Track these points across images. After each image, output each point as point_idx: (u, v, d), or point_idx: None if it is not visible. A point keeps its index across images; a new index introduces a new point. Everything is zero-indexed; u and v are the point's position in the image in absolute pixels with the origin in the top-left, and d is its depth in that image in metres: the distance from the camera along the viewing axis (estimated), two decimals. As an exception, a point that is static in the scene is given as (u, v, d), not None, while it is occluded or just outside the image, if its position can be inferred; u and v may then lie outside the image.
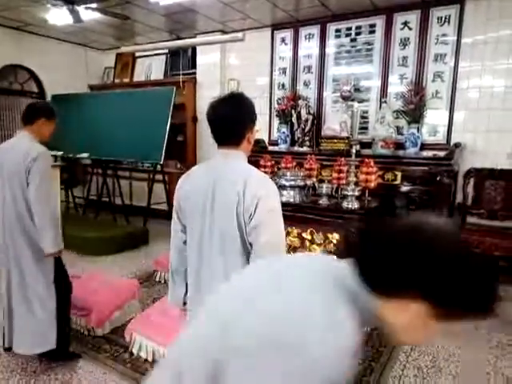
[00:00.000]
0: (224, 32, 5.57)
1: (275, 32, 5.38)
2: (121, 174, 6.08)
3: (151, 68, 6.55)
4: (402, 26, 4.55)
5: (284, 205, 3.52)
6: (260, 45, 5.46)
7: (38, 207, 2.13)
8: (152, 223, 5.33)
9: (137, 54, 6.70)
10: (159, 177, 5.46)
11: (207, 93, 5.89)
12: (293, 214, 3.51)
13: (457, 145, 4.05)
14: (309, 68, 5.21)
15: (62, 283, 2.28)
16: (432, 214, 0.79)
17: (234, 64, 5.78)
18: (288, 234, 3.52)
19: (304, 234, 3.44)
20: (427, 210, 3.62)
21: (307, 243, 3.43)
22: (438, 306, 0.68)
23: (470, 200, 4.18)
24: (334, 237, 3.29)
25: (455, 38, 4.25)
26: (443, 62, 4.35)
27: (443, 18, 4.31)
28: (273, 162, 4.23)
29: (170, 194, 5.50)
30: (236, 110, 1.40)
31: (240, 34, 4.60)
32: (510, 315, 3.07)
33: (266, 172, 4.11)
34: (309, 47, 5.16)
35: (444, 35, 4.32)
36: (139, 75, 6.65)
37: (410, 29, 4.50)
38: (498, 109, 4.07)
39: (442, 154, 4.08)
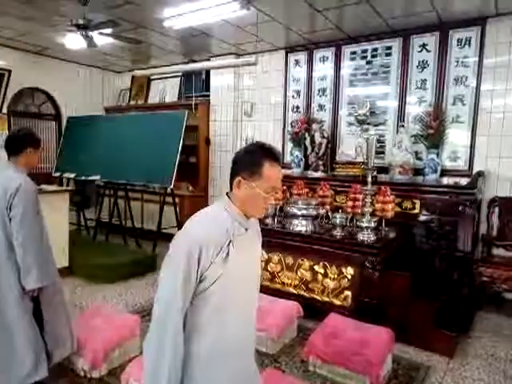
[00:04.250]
0: (237, 55, 5.54)
1: (289, 54, 5.31)
2: (132, 196, 6.03)
3: (165, 90, 6.57)
4: (420, 49, 4.41)
5: (295, 235, 3.42)
6: (274, 67, 5.41)
7: (21, 245, 2.02)
8: (162, 247, 5.21)
9: (152, 77, 6.74)
10: (170, 199, 5.38)
11: (220, 115, 5.85)
12: (304, 245, 3.34)
13: (479, 173, 3.83)
14: (323, 90, 5.10)
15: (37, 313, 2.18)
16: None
17: (247, 86, 5.73)
18: (299, 266, 3.34)
19: (316, 267, 3.26)
20: (449, 242, 3.38)
21: (320, 277, 3.24)
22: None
23: (495, 231, 3.93)
24: (349, 271, 3.09)
25: (477, 59, 4.08)
26: (464, 84, 4.17)
27: (463, 40, 4.15)
28: (284, 188, 4.08)
29: (181, 217, 5.39)
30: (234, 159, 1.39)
31: (253, 58, 4.52)
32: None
33: (277, 198, 3.97)
34: (323, 69, 5.06)
35: (465, 57, 4.15)
36: (154, 97, 6.68)
37: (429, 51, 4.36)
38: (523, 134, 3.85)
39: (463, 180, 3.87)
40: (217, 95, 5.86)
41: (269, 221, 3.76)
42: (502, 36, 3.93)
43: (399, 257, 3.21)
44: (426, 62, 4.38)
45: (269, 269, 3.53)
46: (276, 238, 3.46)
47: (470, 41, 4.12)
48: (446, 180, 4.05)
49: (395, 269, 3.09)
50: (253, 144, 1.39)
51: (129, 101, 6.97)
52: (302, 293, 3.29)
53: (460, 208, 3.53)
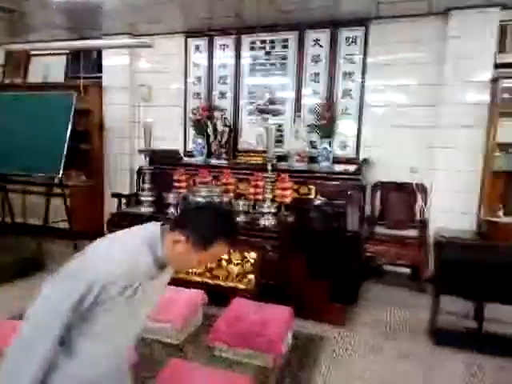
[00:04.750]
0: (133, 35, 5.19)
1: (189, 39, 5.17)
2: (13, 188, 5.30)
3: (49, 69, 5.85)
4: (314, 43, 4.68)
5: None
6: (173, 51, 5.21)
7: None
8: (51, 245, 4.71)
9: (32, 53, 5.94)
10: (60, 190, 4.87)
11: (115, 98, 5.45)
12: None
13: (364, 160, 4.26)
14: (225, 78, 5.10)
15: None
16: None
17: (145, 69, 5.43)
18: (204, 254, 3.33)
19: (221, 254, 3.28)
20: (340, 223, 3.71)
21: (224, 263, 3.28)
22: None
23: (377, 211, 4.43)
24: (252, 256, 3.18)
25: (362, 57, 4.49)
26: (351, 79, 4.56)
27: (351, 39, 4.53)
28: (187, 176, 4.01)
29: (71, 210, 4.92)
30: None
31: (149, 40, 4.30)
32: (416, 323, 3.26)
33: (180, 187, 3.88)
34: (224, 57, 5.05)
35: (352, 54, 4.53)
36: (35, 76, 5.90)
37: (321, 46, 4.65)
38: (400, 125, 4.38)
39: (351, 167, 4.26)
40: (110, 77, 5.43)
41: (171, 210, 3.66)
42: (383, 37, 4.38)
43: (298, 239, 3.41)
44: (319, 56, 4.67)
45: (172, 259, 3.44)
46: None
47: (356, 40, 4.50)
48: (337, 167, 4.41)
49: (294, 250, 3.28)
50: (214, 210, 1.30)
51: (3, 78, 6.05)
52: (207, 280, 3.29)
53: (349, 192, 3.89)
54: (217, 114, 4.86)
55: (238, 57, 4.99)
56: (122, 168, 5.50)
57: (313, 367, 2.53)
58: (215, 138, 4.81)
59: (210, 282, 3.28)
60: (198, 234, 1.18)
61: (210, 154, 4.90)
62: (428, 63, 4.25)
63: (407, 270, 4.20)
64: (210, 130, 4.84)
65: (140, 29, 5.02)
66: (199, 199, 3.42)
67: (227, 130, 4.79)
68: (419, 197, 4.26)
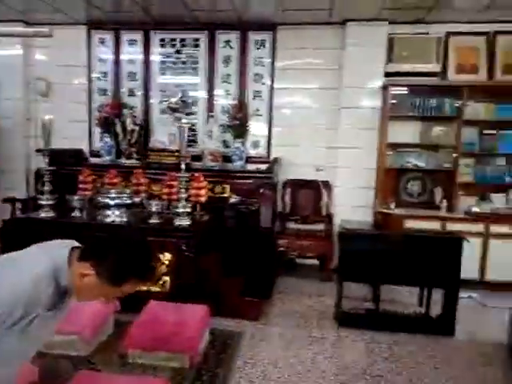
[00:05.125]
0: (28, 23, 4.70)
1: (93, 31, 4.86)
2: None
3: None
4: (224, 44, 4.75)
5: (107, 226, 3.22)
6: (75, 43, 4.85)
7: None
8: None
9: None
10: None
11: (6, 93, 4.88)
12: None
13: (275, 159, 4.47)
14: (134, 75, 4.91)
15: None
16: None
17: (42, 61, 4.96)
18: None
19: (133, 257, 3.16)
20: (254, 221, 3.83)
21: (137, 266, 3.16)
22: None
23: (288, 208, 4.67)
24: (166, 257, 3.13)
25: (270, 60, 4.68)
26: (261, 82, 4.73)
27: (259, 42, 4.69)
28: (94, 177, 3.78)
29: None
30: None
31: (47, 29, 3.93)
32: (324, 309, 3.53)
33: (85, 189, 3.63)
34: (133, 53, 4.87)
35: (261, 57, 4.70)
36: None
37: (232, 48, 4.74)
38: (306, 127, 4.68)
39: (263, 166, 4.43)
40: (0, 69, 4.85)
41: (76, 214, 3.41)
42: (289, 42, 4.63)
43: (213, 238, 3.44)
44: (230, 57, 4.75)
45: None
46: (85, 231, 3.17)
47: (264, 43, 4.69)
48: (250, 166, 4.55)
49: (210, 249, 3.30)
50: (129, 245, 1.15)
51: None
52: (119, 286, 3.14)
53: (261, 190, 4.05)
54: (126, 111, 4.65)
55: (147, 53, 4.84)
56: (15, 170, 4.95)
57: (230, 363, 2.58)
58: (124, 136, 4.60)
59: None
60: (109, 271, 1.10)
61: (119, 154, 4.67)
62: (328, 69, 4.60)
63: (316, 262, 4.51)
64: (118, 129, 4.62)
65: (36, 17, 4.57)
66: (108, 201, 3.25)
67: (137, 128, 4.61)
68: (325, 193, 4.60)
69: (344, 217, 4.37)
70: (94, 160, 4.77)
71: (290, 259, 4.48)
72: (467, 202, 4.31)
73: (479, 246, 3.97)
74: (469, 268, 3.69)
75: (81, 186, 3.66)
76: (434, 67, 4.35)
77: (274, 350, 2.82)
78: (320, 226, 4.53)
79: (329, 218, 4.49)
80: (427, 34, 4.37)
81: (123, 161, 4.57)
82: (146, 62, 4.86)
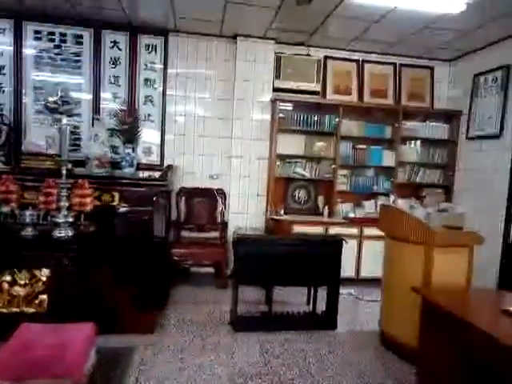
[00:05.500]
0: None
1: None
2: None
3: None
4: (112, 45, 4.50)
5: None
6: None
7: None
8: None
9: None
10: None
11: None
12: (-18, 253, 2.70)
13: (168, 166, 4.36)
14: (1, 68, 4.29)
15: None
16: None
17: None
18: (-25, 279, 2.68)
19: (0, 276, 2.71)
20: (146, 230, 3.66)
21: (5, 286, 2.72)
22: None
23: (182, 216, 4.59)
24: (44, 273, 2.76)
25: (162, 66, 4.58)
26: (153, 87, 4.60)
27: (150, 47, 4.57)
28: None
29: None
30: None
31: None
32: (220, 316, 3.52)
33: None
34: (0, 43, 4.25)
35: (152, 62, 4.57)
36: None
37: (120, 49, 4.51)
38: (201, 135, 4.69)
39: (156, 174, 4.27)
40: None
41: None
42: (181, 50, 4.61)
43: (101, 249, 3.17)
44: (119, 59, 4.52)
45: None
46: None
47: (156, 48, 4.58)
48: (141, 173, 4.34)
49: (97, 261, 3.03)
50: None
51: None
52: (-19, 310, 2.66)
53: (154, 198, 3.89)
54: (-9, 109, 4.03)
55: (18, 45, 4.29)
56: None
57: (120, 381, 2.39)
58: (-11, 137, 3.96)
59: (-15, 311, 2.66)
60: None
61: (-19, 158, 4.00)
62: (221, 80, 4.72)
63: (211, 270, 4.51)
64: (-20, 128, 3.96)
65: None
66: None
67: (6, 128, 4.02)
68: (220, 201, 4.65)
69: (237, 224, 4.47)
70: None
71: (185, 268, 4.39)
72: (344, 208, 4.83)
73: (355, 247, 4.47)
74: (347, 267, 4.14)
75: None
76: (315, 86, 4.81)
77: (169, 361, 2.70)
78: (215, 234, 4.55)
79: (223, 226, 4.55)
80: (308, 55, 4.82)
81: (-13, 165, 3.92)
82: (17, 55, 4.30)
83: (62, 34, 4.38)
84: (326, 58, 4.91)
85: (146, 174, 4.32)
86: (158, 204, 3.89)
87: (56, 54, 4.38)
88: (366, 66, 5.01)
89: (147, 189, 3.91)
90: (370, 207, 4.86)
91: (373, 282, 4.28)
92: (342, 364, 2.83)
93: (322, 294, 3.54)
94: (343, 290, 3.85)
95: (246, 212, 4.64)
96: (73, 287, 2.77)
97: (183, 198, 4.61)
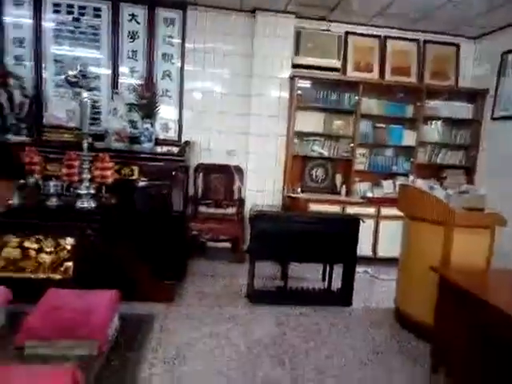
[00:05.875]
0: None
1: (-34, -16, 4.12)
2: None
3: None
4: (130, 18, 4.45)
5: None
6: None
7: None
8: None
9: None
10: None
11: None
12: (9, 221, 2.79)
13: (186, 142, 4.37)
14: (21, 41, 4.31)
15: None
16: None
17: None
18: (5, 244, 2.77)
19: (27, 243, 2.80)
20: (165, 204, 3.71)
21: (32, 253, 2.81)
22: None
23: (200, 192, 4.62)
24: (68, 242, 2.84)
25: (180, 41, 4.53)
26: (171, 62, 4.56)
27: (168, 20, 4.51)
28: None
29: None
30: None
31: None
32: (237, 289, 3.59)
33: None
34: (19, 15, 4.26)
35: (170, 37, 4.52)
36: None
37: (138, 23, 4.47)
38: (218, 111, 4.67)
39: (174, 149, 4.30)
40: None
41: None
42: (199, 24, 4.54)
43: (122, 221, 3.23)
44: (137, 33, 4.48)
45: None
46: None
47: (174, 22, 4.52)
48: (159, 148, 4.37)
49: (119, 233, 3.10)
50: None
51: None
52: (10, 274, 2.75)
53: (173, 173, 3.92)
54: (12, 81, 4.06)
55: (37, 18, 4.29)
56: None
57: (142, 346, 2.47)
58: (12, 110, 4.01)
59: (13, 275, 2.76)
60: None
61: (5, 130, 4.06)
62: (239, 56, 4.65)
63: (228, 245, 4.56)
64: (3, 100, 4.00)
65: None
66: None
67: (27, 101, 4.07)
68: (237, 178, 4.66)
69: (254, 201, 4.49)
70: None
71: (202, 242, 4.46)
72: (362, 188, 4.79)
73: (372, 227, 4.46)
74: (364, 246, 4.14)
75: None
76: (336, 63, 4.70)
77: (188, 329, 2.78)
78: (232, 210, 4.59)
79: (240, 202, 4.58)
80: (329, 31, 4.69)
81: (9, 137, 3.99)
82: (37, 28, 4.30)
83: (81, 7, 4.35)
84: (347, 33, 4.78)
85: (164, 149, 4.35)
86: (177, 179, 3.92)
87: (75, 27, 4.37)
88: (389, 42, 4.87)
89: (166, 164, 3.94)
90: (388, 187, 4.81)
91: (389, 261, 4.27)
92: (356, 339, 2.87)
93: (338, 271, 3.56)
94: (359, 269, 3.86)
95: (262, 189, 4.65)
96: (96, 256, 2.85)
97: (201, 174, 4.63)
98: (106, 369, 2.16)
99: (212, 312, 3.10)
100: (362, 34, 4.83)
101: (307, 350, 2.66)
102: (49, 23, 4.32)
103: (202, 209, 4.58)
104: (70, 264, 2.83)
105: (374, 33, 4.84)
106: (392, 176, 4.85)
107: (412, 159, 4.77)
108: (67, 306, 2.31)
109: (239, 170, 4.67)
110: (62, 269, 2.83)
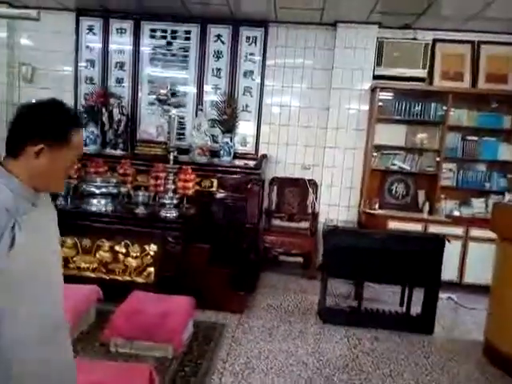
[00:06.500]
0: (11, 5, 4.57)
1: (81, 18, 4.76)
2: None
3: None
4: (216, 39, 4.73)
5: (93, 215, 3.16)
6: (62, 29, 4.74)
7: None
8: None
9: None
10: None
11: (-11, 76, 4.73)
12: (104, 226, 3.13)
13: (263, 156, 4.47)
14: (121, 65, 4.83)
15: None
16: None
17: (27, 46, 4.82)
18: (98, 248, 3.11)
19: (117, 247, 3.11)
20: (240, 216, 3.83)
21: (121, 256, 3.11)
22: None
23: (274, 205, 4.68)
24: (152, 248, 3.09)
25: (261, 57, 4.68)
26: (252, 78, 4.73)
27: (251, 38, 4.69)
28: (79, 166, 3.69)
29: None
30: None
31: (34, 12, 3.82)
32: (307, 306, 3.55)
33: (70, 177, 3.55)
34: (122, 42, 4.79)
35: (252, 54, 4.70)
36: None
37: (223, 43, 4.72)
38: (295, 125, 4.71)
39: (251, 163, 4.43)
40: (-18, 51, 4.70)
41: (60, 201, 3.32)
42: (279, 40, 4.65)
43: (200, 231, 3.42)
44: (221, 52, 4.73)
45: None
46: (70, 220, 3.09)
47: (256, 40, 4.69)
48: (237, 162, 4.54)
49: (196, 242, 3.28)
50: (44, 102, 1.11)
51: None
52: (102, 275, 3.09)
53: (249, 186, 4.04)
54: (113, 101, 4.57)
55: (136, 44, 4.78)
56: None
57: (213, 354, 2.57)
58: (111, 126, 4.51)
59: (105, 277, 3.08)
60: (49, 131, 1.05)
61: (105, 145, 4.58)
62: (318, 69, 4.64)
63: (300, 259, 4.53)
64: (105, 118, 4.53)
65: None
66: (93, 189, 3.19)
67: (124, 118, 4.54)
68: (311, 191, 4.63)
69: (328, 216, 4.41)
70: (78, 149, 4.67)
71: (274, 256, 4.50)
72: (448, 206, 4.42)
73: (459, 249, 4.08)
74: (448, 270, 3.80)
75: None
76: (421, 72, 4.44)
77: (258, 342, 2.82)
78: (305, 224, 4.56)
79: (314, 216, 4.53)
80: (415, 39, 4.46)
81: (108, 150, 4.48)
82: (136, 53, 4.79)
83: (173, 31, 4.74)
84: (434, 41, 4.49)
85: (241, 162, 4.50)
86: (252, 191, 4.03)
87: (167, 50, 4.77)
88: (483, 47, 4.46)
89: (242, 176, 4.08)
90: (479, 206, 4.36)
91: (478, 288, 3.88)
92: (437, 372, 2.63)
93: (418, 295, 3.31)
94: (442, 294, 3.56)
95: (337, 204, 4.55)
96: (175, 263, 3.04)
97: (275, 187, 4.69)
98: (178, 374, 2.28)
99: (282, 327, 3.09)
100: (451, 41, 4.50)
101: (381, 378, 2.51)
102: (146, 48, 4.79)
103: (276, 222, 4.63)
104: (152, 269, 3.07)
105: (467, 38, 4.48)
106: (484, 194, 4.40)
107: (509, 175, 4.27)
108: (148, 309, 2.50)
109: (314, 183, 4.63)
110: (145, 273, 3.08)
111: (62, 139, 1.07)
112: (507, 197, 3.99)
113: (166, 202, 3.31)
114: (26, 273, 1.03)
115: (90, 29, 4.78)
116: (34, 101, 1.12)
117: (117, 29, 4.78)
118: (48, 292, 1.13)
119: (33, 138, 1.04)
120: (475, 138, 4.39)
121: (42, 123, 1.05)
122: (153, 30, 4.75)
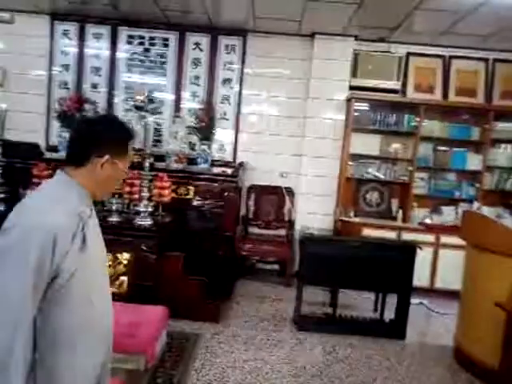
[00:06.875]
0: (-16, 7, 4.44)
1: (56, 22, 4.68)
2: None
3: None
4: (194, 47, 4.73)
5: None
6: (36, 32, 4.64)
7: None
8: None
9: None
10: None
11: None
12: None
13: (240, 164, 4.48)
14: (97, 70, 4.76)
15: None
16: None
17: (-2, 49, 4.69)
18: (69, 257, 3.03)
19: (89, 256, 3.03)
20: (217, 224, 3.81)
21: (93, 266, 3.03)
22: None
23: (251, 213, 4.69)
24: (125, 257, 3.03)
25: (239, 66, 4.72)
26: (230, 86, 4.75)
27: (229, 47, 4.72)
28: (50, 172, 3.59)
29: None
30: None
31: (7, 15, 3.73)
32: (283, 314, 3.55)
33: (39, 183, 3.45)
34: (98, 47, 4.73)
35: (230, 63, 4.73)
36: None
37: (202, 50, 4.73)
38: (272, 133, 4.75)
39: (229, 170, 4.42)
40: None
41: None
42: (258, 50, 4.70)
43: (175, 239, 3.38)
44: (200, 60, 4.74)
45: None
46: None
47: (234, 48, 4.72)
48: (215, 169, 4.52)
49: (171, 250, 3.24)
50: (109, 117, 1.33)
51: None
52: (73, 285, 3.00)
53: (226, 194, 4.03)
54: (88, 106, 4.49)
55: (113, 49, 4.73)
56: None
57: (187, 364, 2.53)
58: (85, 132, 4.42)
59: (75, 286, 2.99)
60: (113, 144, 1.16)
61: (78, 150, 4.48)
62: (296, 79, 4.71)
63: (276, 267, 4.55)
64: (79, 124, 4.43)
65: (-7, 1, 4.33)
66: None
67: (100, 125, 4.46)
68: (288, 199, 4.67)
69: (305, 223, 4.45)
70: (50, 155, 4.54)
71: (251, 263, 4.49)
72: (420, 213, 4.54)
73: (430, 256, 4.18)
74: (420, 276, 3.89)
75: (35, 180, 3.46)
76: (395, 84, 4.58)
77: (233, 351, 2.80)
78: (282, 232, 4.58)
79: (290, 224, 4.56)
80: (390, 52, 4.60)
81: (83, 157, 4.39)
82: (112, 58, 4.74)
83: (151, 38, 4.72)
84: (408, 54, 4.65)
85: (219, 170, 4.49)
86: (229, 199, 4.02)
87: (145, 57, 4.74)
88: (454, 61, 4.65)
89: (220, 184, 4.07)
90: (449, 214, 4.51)
91: (448, 293, 3.98)
92: (410, 377, 2.68)
93: (391, 301, 3.38)
94: (414, 300, 3.64)
95: (313, 212, 4.60)
96: (148, 272, 2.99)
97: (252, 195, 4.70)
98: (151, 384, 2.24)
99: (257, 336, 3.08)
100: (424, 55, 4.67)
101: (354, 384, 2.54)
102: (123, 53, 4.74)
103: (253, 229, 4.63)
104: (124, 278, 3.01)
105: (439, 53, 4.65)
106: (454, 202, 4.55)
107: (477, 185, 4.44)
108: (120, 320, 2.42)
109: (290, 191, 4.67)
110: (117, 283, 3.02)
111: (124, 151, 1.20)
112: (475, 205, 4.13)
113: (141, 209, 3.26)
114: (91, 273, 1.12)
115: (65, 33, 4.71)
116: (90, 115, 1.27)
117: (93, 33, 4.72)
118: (105, 296, 1.28)
119: (100, 149, 1.14)
120: (446, 149, 4.54)
121: (108, 137, 1.17)
122: (130, 36, 4.72)
